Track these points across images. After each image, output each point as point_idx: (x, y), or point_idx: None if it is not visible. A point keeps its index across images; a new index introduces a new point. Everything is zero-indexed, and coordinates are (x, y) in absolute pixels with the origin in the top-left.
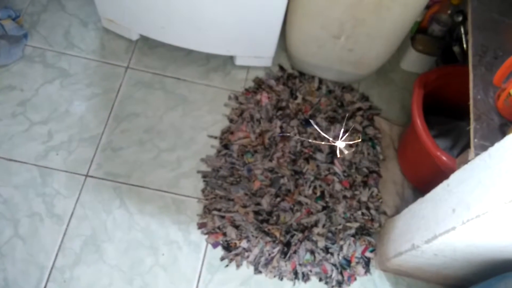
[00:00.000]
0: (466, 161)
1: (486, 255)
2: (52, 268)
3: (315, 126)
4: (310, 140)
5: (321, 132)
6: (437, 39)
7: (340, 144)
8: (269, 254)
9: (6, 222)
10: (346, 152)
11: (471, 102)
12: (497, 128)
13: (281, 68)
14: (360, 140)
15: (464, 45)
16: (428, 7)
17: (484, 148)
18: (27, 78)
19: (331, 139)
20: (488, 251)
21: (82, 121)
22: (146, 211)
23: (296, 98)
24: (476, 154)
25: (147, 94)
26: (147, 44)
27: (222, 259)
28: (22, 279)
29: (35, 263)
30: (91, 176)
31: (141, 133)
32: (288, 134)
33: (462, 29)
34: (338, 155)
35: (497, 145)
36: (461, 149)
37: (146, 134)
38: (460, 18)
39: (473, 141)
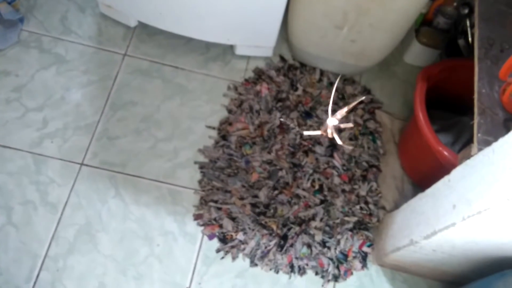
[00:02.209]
0: (468, 156)
1: (486, 252)
2: (45, 256)
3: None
4: (295, 128)
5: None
6: (442, 32)
7: (332, 121)
8: (266, 247)
9: None
10: (335, 136)
11: (475, 96)
12: (501, 123)
13: (282, 59)
14: (352, 125)
15: (470, 39)
16: None
17: (488, 143)
18: (23, 63)
19: (330, 109)
20: (488, 248)
21: (78, 109)
22: (142, 201)
23: (296, 89)
24: (479, 149)
25: (144, 82)
26: (145, 31)
27: (217, 251)
28: (14, 267)
29: (28, 252)
30: (86, 165)
31: (137, 122)
32: (286, 122)
33: (468, 22)
34: (330, 136)
35: (501, 141)
36: (462, 144)
37: (142, 123)
38: (466, 11)
39: (476, 136)
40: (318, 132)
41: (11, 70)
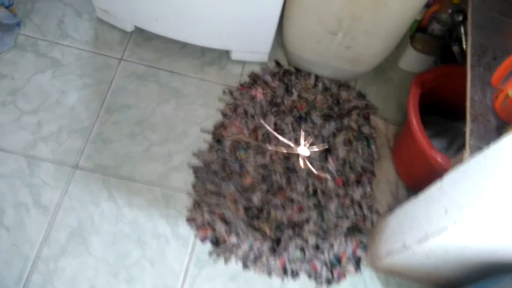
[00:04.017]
0: (461, 162)
1: (478, 257)
2: (36, 258)
3: (268, 127)
4: (270, 148)
5: (278, 136)
6: (436, 39)
7: (303, 151)
8: (258, 250)
9: None
10: (309, 165)
11: (468, 102)
12: (493, 130)
13: (278, 64)
14: (326, 147)
15: (464, 45)
16: (428, 5)
17: (480, 149)
18: (19, 67)
19: (293, 145)
20: (480, 253)
21: (73, 112)
22: (135, 204)
23: (291, 94)
24: (471, 155)
25: (140, 86)
26: (141, 36)
27: (210, 254)
28: (5, 269)
29: (19, 254)
30: (80, 168)
31: (132, 126)
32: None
33: (462, 29)
34: (302, 166)
35: (493, 147)
36: (456, 150)
37: (137, 127)
38: (461, 18)
39: (468, 142)
40: (288, 149)
41: (7, 73)
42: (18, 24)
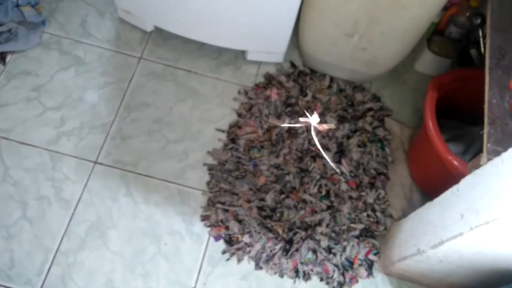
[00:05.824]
0: (477, 166)
1: (493, 264)
2: (57, 251)
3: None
4: (288, 124)
5: (309, 115)
6: (453, 42)
7: (314, 119)
8: (271, 251)
9: (15, 204)
10: (325, 127)
11: (486, 105)
12: (511, 134)
13: (292, 65)
14: (333, 127)
15: (482, 49)
16: (446, 8)
17: (497, 153)
18: (43, 64)
19: (308, 115)
20: (496, 260)
21: (94, 109)
22: (151, 200)
23: (306, 95)
24: (489, 159)
25: (158, 85)
26: (161, 36)
27: (223, 252)
28: (27, 260)
29: (40, 246)
30: (100, 163)
31: (150, 123)
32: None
33: (480, 32)
34: (313, 133)
35: (511, 151)
36: (473, 155)
37: (155, 125)
38: (479, 21)
39: (486, 145)
40: (301, 124)
41: (32, 70)
42: (43, 23)
